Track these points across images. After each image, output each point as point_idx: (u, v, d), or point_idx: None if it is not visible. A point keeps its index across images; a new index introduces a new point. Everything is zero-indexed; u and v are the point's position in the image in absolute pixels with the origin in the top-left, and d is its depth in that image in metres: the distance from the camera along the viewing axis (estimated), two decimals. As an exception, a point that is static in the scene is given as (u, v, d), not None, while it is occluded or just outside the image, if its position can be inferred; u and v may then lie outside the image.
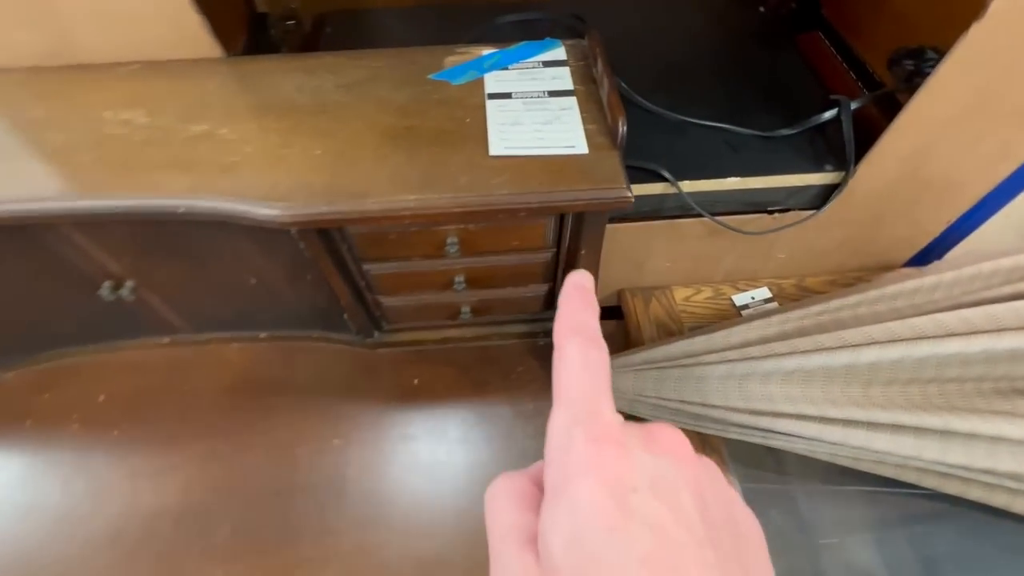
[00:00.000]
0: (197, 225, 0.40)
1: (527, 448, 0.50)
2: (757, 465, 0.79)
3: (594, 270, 0.45)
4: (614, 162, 0.37)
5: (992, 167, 0.72)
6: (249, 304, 0.50)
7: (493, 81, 0.43)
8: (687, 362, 0.74)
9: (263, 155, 0.38)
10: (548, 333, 0.56)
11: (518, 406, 0.51)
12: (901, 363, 0.71)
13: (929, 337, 0.70)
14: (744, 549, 0.17)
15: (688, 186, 0.67)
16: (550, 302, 0.51)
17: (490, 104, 0.41)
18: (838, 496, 0.76)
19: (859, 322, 0.75)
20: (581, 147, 0.38)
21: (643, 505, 0.15)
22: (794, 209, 0.75)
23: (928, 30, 0.75)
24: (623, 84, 0.58)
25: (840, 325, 0.76)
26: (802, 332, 0.76)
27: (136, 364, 0.55)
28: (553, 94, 0.42)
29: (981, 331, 0.69)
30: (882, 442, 0.70)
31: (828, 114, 0.70)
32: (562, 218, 0.41)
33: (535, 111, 0.40)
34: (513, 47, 0.46)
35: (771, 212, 0.75)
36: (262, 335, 0.56)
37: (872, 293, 0.79)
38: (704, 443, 0.79)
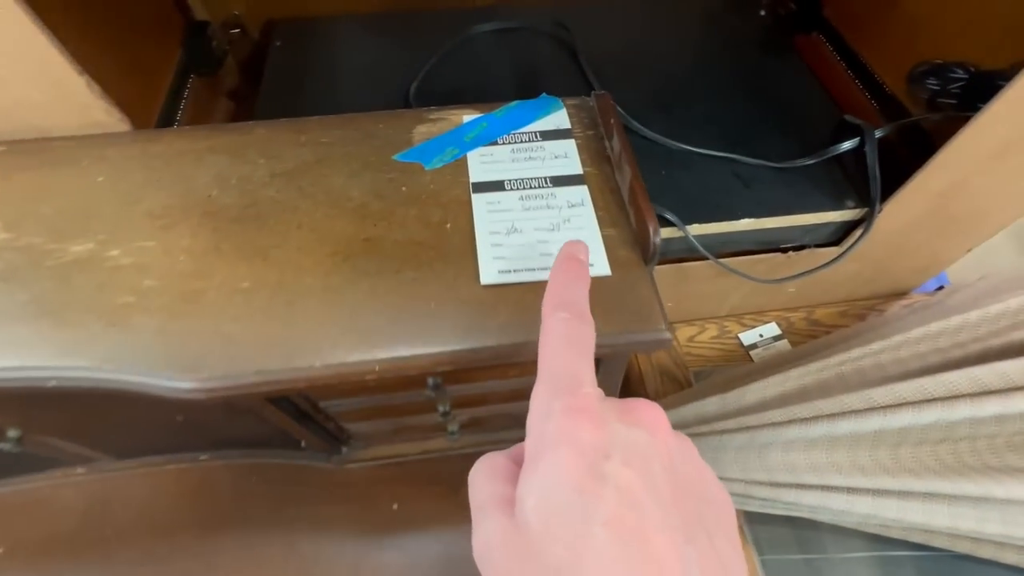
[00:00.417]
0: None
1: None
2: (776, 534, 0.72)
3: (613, 394, 0.36)
4: (646, 287, 0.28)
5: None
6: (179, 435, 0.40)
7: (479, 163, 0.33)
8: (702, 429, 0.67)
9: (169, 292, 0.28)
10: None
11: (520, 533, 0.43)
12: (935, 425, 0.64)
13: (965, 395, 0.63)
14: (713, 521, 0.17)
15: (697, 229, 0.59)
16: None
17: (477, 200, 0.31)
18: (867, 563, 0.71)
19: (883, 372, 0.69)
20: (601, 266, 0.29)
21: (613, 471, 0.16)
22: (810, 246, 0.67)
23: (947, 36, 0.67)
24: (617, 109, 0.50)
25: (863, 377, 0.69)
26: (823, 388, 0.69)
27: (44, 502, 0.44)
28: (558, 182, 0.32)
29: (1019, 387, 0.63)
30: (916, 514, 0.64)
31: (848, 144, 0.61)
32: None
33: (537, 211, 0.31)
34: (502, 110, 0.36)
35: (785, 251, 0.67)
36: (203, 457, 0.45)
37: (896, 338, 0.72)
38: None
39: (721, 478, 0.70)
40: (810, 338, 0.85)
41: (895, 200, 0.59)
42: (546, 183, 0.32)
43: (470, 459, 0.47)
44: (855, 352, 0.70)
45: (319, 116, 0.36)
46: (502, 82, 0.63)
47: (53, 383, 0.25)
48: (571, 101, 0.37)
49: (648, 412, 0.19)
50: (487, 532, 0.17)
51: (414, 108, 0.35)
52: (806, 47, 0.74)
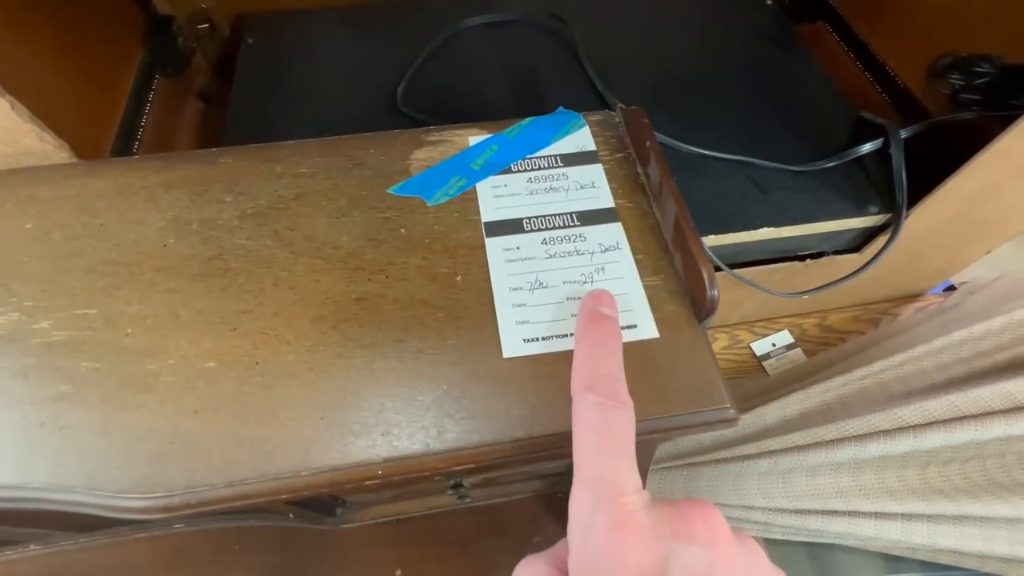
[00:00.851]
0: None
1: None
2: (789, 554, 0.69)
3: (644, 470, 0.31)
4: (703, 352, 0.23)
5: (1052, 202, 0.62)
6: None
7: (491, 196, 0.28)
8: (723, 455, 0.63)
9: (112, 376, 0.22)
10: (569, 486, 0.43)
11: (539, 599, 0.38)
12: (967, 445, 0.61)
13: (998, 412, 0.60)
14: None
15: (713, 240, 0.54)
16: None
17: (491, 246, 0.26)
18: (890, 584, 0.68)
19: (906, 385, 0.65)
20: (647, 327, 0.24)
21: None
22: (829, 254, 0.63)
23: (968, 26, 0.62)
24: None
25: (887, 391, 0.65)
26: (846, 405, 0.66)
27: (-7, 583, 0.39)
28: (586, 219, 0.27)
29: (1055, 402, 0.59)
30: (948, 538, 0.61)
31: (870, 146, 0.57)
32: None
33: (564, 258, 0.25)
34: (514, 129, 0.30)
35: (803, 259, 0.63)
36: (177, 524, 0.40)
37: (919, 349, 0.68)
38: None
39: (744, 507, 0.66)
40: (824, 345, 0.81)
41: (923, 205, 0.55)
42: (572, 221, 0.27)
43: (479, 513, 0.42)
44: (877, 365, 0.66)
45: (296, 140, 0.30)
46: (496, 81, 0.57)
47: (-36, 506, 0.20)
48: (593, 117, 0.31)
49: (704, 520, 0.17)
50: None
51: (411, 128, 0.30)
52: (811, 38, 0.69)
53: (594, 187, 0.28)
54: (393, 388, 0.22)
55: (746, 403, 0.67)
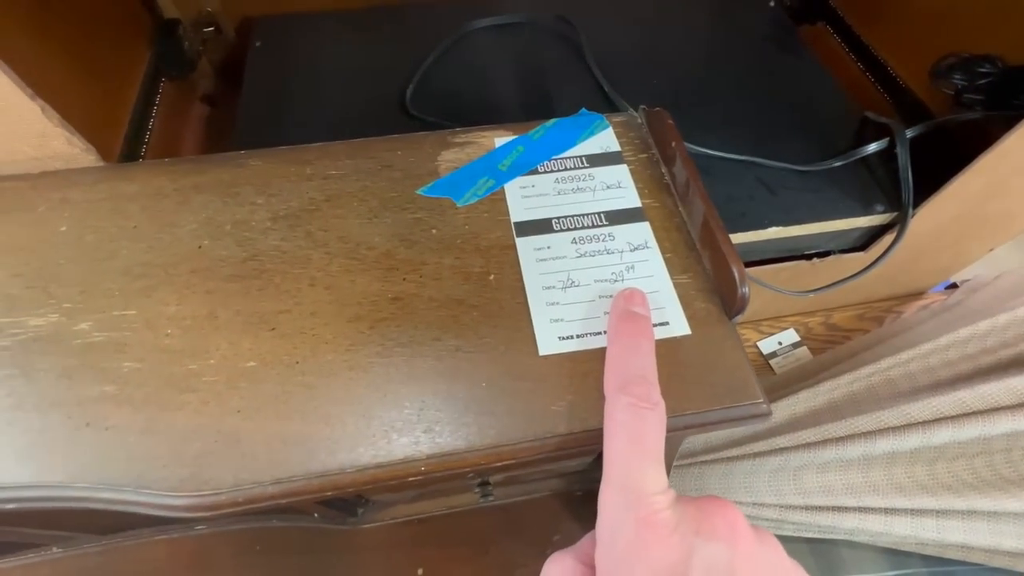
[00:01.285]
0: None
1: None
2: (792, 550, 0.70)
3: (670, 463, 0.32)
4: (734, 348, 0.24)
5: (1054, 199, 0.62)
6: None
7: (519, 197, 0.28)
8: (733, 453, 0.63)
9: (154, 377, 0.22)
10: (588, 483, 0.43)
11: (561, 597, 0.38)
12: (974, 441, 0.62)
13: (1005, 407, 0.61)
14: None
15: None
16: (597, 461, 0.38)
17: (522, 246, 0.26)
18: (898, 581, 0.68)
19: (913, 382, 0.66)
20: (679, 324, 0.24)
21: None
22: (835, 252, 0.64)
23: (969, 27, 0.63)
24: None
25: (894, 388, 0.66)
26: (854, 402, 0.67)
27: (16, 586, 0.39)
28: (614, 219, 0.27)
29: (1060, 397, 0.60)
30: (955, 533, 0.61)
31: (875, 145, 0.58)
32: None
33: (594, 256, 0.26)
34: (539, 130, 0.31)
35: (810, 258, 0.64)
36: (199, 526, 0.40)
37: (925, 347, 0.69)
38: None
39: (755, 504, 0.66)
40: (829, 343, 0.82)
41: (929, 204, 0.56)
42: (601, 220, 0.27)
43: (499, 512, 0.42)
44: (884, 363, 0.67)
45: (322, 143, 0.30)
46: (504, 83, 0.58)
47: (11, 506, 0.20)
48: (616, 118, 0.32)
49: (725, 518, 0.18)
50: None
51: (436, 131, 0.30)
52: (811, 39, 0.70)
53: (620, 187, 0.28)
54: (433, 385, 0.22)
55: (755, 401, 0.68)
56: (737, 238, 0.54)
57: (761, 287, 0.62)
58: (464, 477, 0.24)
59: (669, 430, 0.21)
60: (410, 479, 0.21)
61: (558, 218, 0.27)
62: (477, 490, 0.31)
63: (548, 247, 0.26)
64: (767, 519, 0.62)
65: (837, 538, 0.63)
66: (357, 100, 0.56)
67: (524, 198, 0.28)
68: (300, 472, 0.20)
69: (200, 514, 0.20)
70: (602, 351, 0.23)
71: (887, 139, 0.57)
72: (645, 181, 0.29)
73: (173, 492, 0.20)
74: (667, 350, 0.23)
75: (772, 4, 0.72)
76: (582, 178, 0.29)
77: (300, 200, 0.28)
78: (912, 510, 0.61)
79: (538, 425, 0.22)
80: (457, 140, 0.30)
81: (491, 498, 0.36)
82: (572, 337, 0.23)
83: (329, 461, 0.21)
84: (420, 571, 0.40)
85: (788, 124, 0.60)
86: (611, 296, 0.24)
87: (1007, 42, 0.60)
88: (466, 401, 0.22)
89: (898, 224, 0.57)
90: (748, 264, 0.60)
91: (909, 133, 0.57)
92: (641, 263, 0.26)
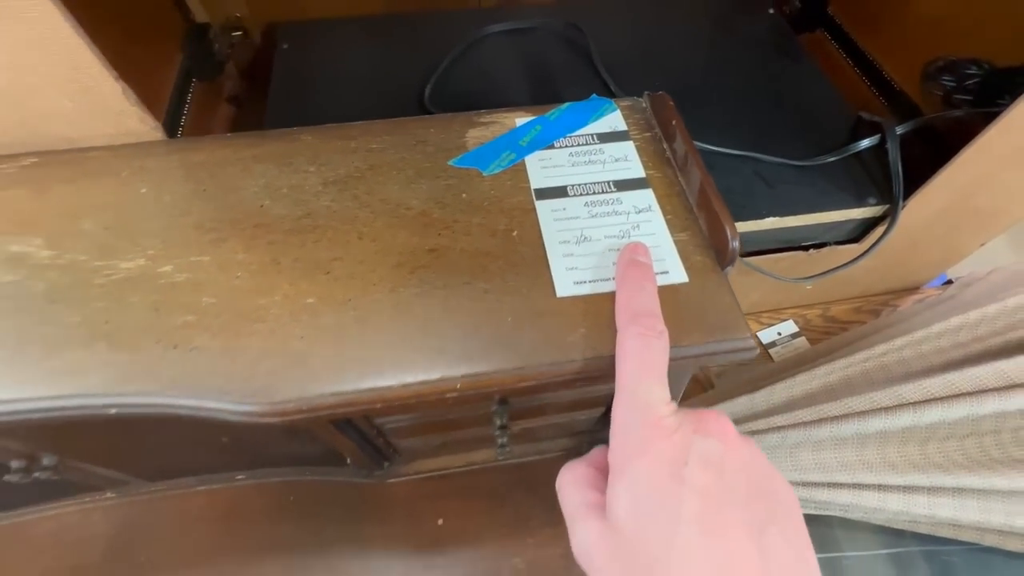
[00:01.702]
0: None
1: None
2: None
3: (678, 393, 0.35)
4: (725, 294, 0.27)
5: (1043, 192, 0.66)
6: (219, 456, 0.38)
7: (538, 167, 0.32)
8: (732, 431, 0.67)
9: (228, 310, 0.26)
10: (595, 443, 0.46)
11: (570, 547, 0.42)
12: (963, 421, 0.65)
13: (992, 389, 0.63)
14: (783, 516, 0.20)
15: None
16: (604, 419, 0.41)
17: (541, 208, 0.30)
18: (891, 560, 0.71)
19: (906, 367, 0.69)
20: (677, 273, 0.28)
21: (692, 476, 0.19)
22: (830, 244, 0.67)
23: (958, 34, 0.67)
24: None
25: (887, 373, 0.69)
26: (849, 385, 0.70)
27: (71, 529, 0.42)
28: (622, 186, 0.31)
29: (1045, 380, 0.63)
30: (946, 509, 0.64)
31: (868, 141, 0.62)
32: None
33: (604, 217, 0.30)
34: (554, 112, 0.35)
35: (806, 248, 0.67)
36: (239, 476, 0.44)
37: (918, 334, 0.72)
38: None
39: None
40: (827, 335, 0.85)
41: (918, 196, 0.59)
42: (610, 187, 0.31)
43: (515, 470, 0.46)
44: (879, 348, 0.70)
45: (364, 121, 0.35)
46: (516, 83, 0.62)
47: (114, 411, 0.24)
48: (623, 102, 0.36)
49: (717, 422, 0.21)
50: (584, 535, 0.21)
51: (464, 112, 0.34)
52: (811, 47, 0.74)
53: (627, 160, 0.32)
54: (466, 320, 0.26)
55: (754, 385, 0.71)
56: (737, 227, 0.58)
57: (761, 276, 0.66)
58: (491, 398, 0.28)
59: (671, 359, 0.25)
60: (447, 395, 0.24)
61: (572, 185, 0.31)
62: (497, 432, 0.34)
63: (564, 209, 0.30)
64: (765, 495, 0.65)
65: (832, 514, 0.66)
66: (378, 99, 0.60)
67: (542, 169, 0.32)
68: (355, 388, 0.24)
69: (270, 419, 0.24)
70: (611, 294, 0.27)
71: (879, 135, 0.60)
72: (649, 155, 0.33)
73: (248, 400, 0.24)
74: (667, 295, 0.27)
75: (771, 12, 0.76)
76: (593, 152, 0.33)
77: (347, 168, 0.32)
78: (904, 487, 0.64)
79: (556, 352, 0.25)
80: (482, 120, 0.34)
81: (507, 449, 0.39)
82: (585, 282, 0.27)
83: (378, 379, 0.24)
84: (440, 521, 0.43)
85: (785, 123, 0.64)
86: (619, 249, 0.28)
87: (993, 46, 0.64)
88: (494, 333, 0.26)
89: (889, 216, 0.60)
90: (748, 254, 0.63)
91: (899, 130, 0.61)
92: (645, 223, 0.29)
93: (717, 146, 0.59)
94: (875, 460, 0.64)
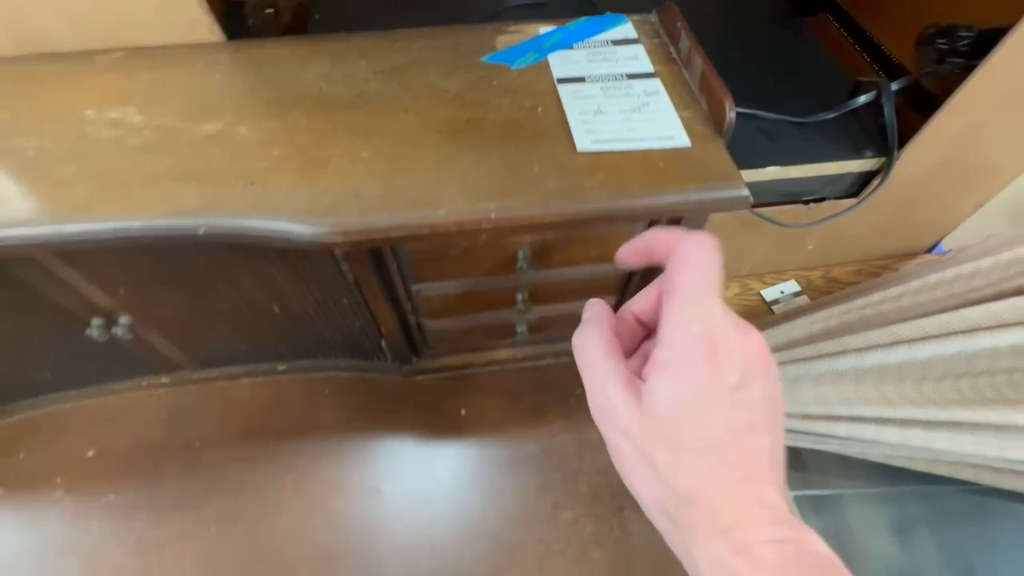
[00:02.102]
0: (211, 249, 0.32)
1: (597, 484, 0.44)
2: (801, 468, 0.75)
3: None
4: (723, 156, 0.31)
5: (1033, 151, 0.69)
6: (268, 333, 0.43)
7: (559, 63, 0.36)
8: (735, 367, 0.70)
9: (296, 159, 0.31)
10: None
11: (581, 435, 0.45)
12: (956, 358, 0.67)
13: (984, 328, 0.66)
14: (778, 421, 0.22)
15: None
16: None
17: (563, 90, 0.35)
18: (887, 499, 0.73)
19: (903, 314, 0.72)
20: (681, 139, 0.32)
21: (729, 393, 0.20)
22: (830, 198, 0.71)
23: (951, 6, 0.71)
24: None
25: (884, 319, 0.72)
26: (847, 328, 0.73)
27: (129, 411, 0.47)
28: (633, 77, 0.35)
29: (1035, 320, 0.66)
30: (941, 441, 0.67)
31: (865, 97, 0.65)
32: (651, 222, 0.35)
33: (617, 98, 0.34)
34: (573, 23, 0.39)
35: (806, 202, 0.71)
36: (280, 367, 0.48)
37: (914, 283, 0.75)
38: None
39: None
40: (828, 295, 0.88)
41: (912, 146, 0.63)
42: (623, 78, 0.35)
43: (531, 372, 0.50)
44: (876, 296, 0.73)
45: (403, 29, 0.39)
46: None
47: (202, 231, 0.28)
48: (635, 18, 0.40)
49: (756, 335, 0.22)
50: (615, 404, 0.22)
51: (492, 23, 0.39)
52: (815, 27, 0.78)
53: (637, 59, 0.37)
54: (499, 170, 0.30)
55: (756, 329, 0.74)
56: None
57: (763, 234, 0.69)
58: (520, 241, 0.32)
59: (676, 204, 0.29)
60: (483, 225, 0.29)
61: (590, 76, 0.35)
62: (519, 310, 0.38)
63: (583, 91, 0.34)
64: (767, 426, 0.68)
65: (830, 449, 0.69)
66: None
67: (563, 64, 0.36)
68: (407, 218, 0.28)
69: (337, 239, 0.28)
70: (625, 152, 0.31)
71: (875, 92, 0.64)
72: (657, 55, 0.37)
73: (316, 223, 0.28)
74: (675, 156, 0.31)
75: (779, -6, 0.80)
76: (607, 54, 0.37)
77: (392, 62, 0.36)
78: (901, 420, 0.66)
79: (576, 194, 0.29)
80: (510, 29, 0.39)
81: (525, 337, 0.43)
82: (602, 141, 0.31)
83: (428, 213, 0.29)
84: (463, 411, 0.47)
85: (787, 86, 0.67)
86: (631, 120, 0.32)
87: (980, 13, 0.68)
88: (523, 178, 0.30)
89: (884, 168, 0.63)
90: (752, 206, 0.66)
91: (894, 86, 0.65)
92: (653, 102, 0.34)
93: None
94: (872, 396, 0.67)
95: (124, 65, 0.36)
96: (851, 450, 0.69)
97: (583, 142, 0.31)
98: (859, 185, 0.68)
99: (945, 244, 0.94)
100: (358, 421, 0.46)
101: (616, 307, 0.26)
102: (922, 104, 0.66)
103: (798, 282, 0.88)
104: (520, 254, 0.34)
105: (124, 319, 0.37)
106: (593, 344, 0.23)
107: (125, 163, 0.30)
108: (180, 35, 0.38)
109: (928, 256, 0.91)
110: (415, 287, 0.37)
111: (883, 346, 0.66)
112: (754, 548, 0.18)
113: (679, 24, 0.36)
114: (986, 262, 0.73)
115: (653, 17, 0.40)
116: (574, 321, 0.25)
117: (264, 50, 0.37)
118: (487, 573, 0.39)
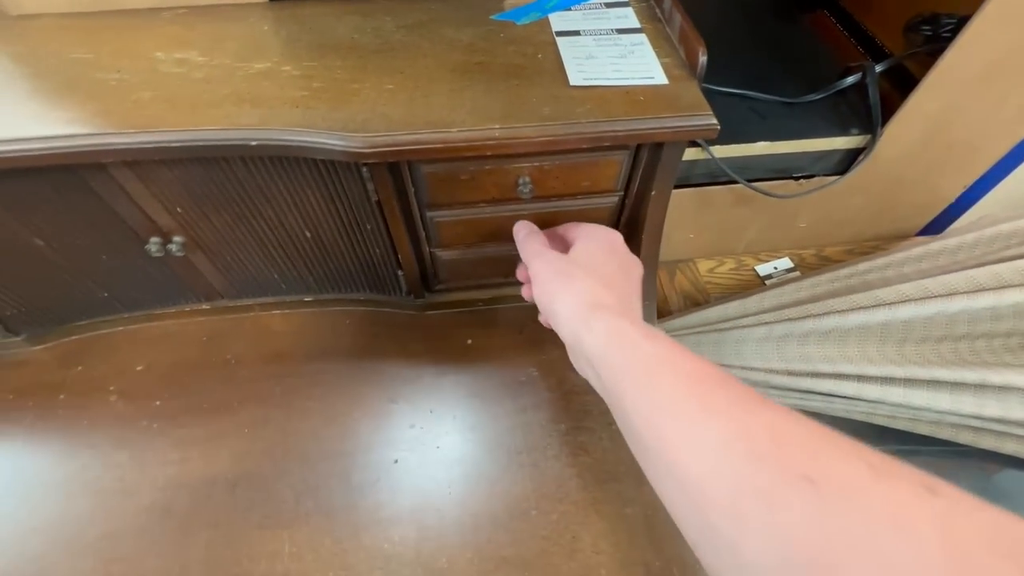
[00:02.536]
0: (258, 168, 0.38)
1: (587, 403, 0.49)
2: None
3: (661, 216, 0.44)
4: (695, 92, 0.37)
5: (1012, 129, 0.73)
6: (299, 262, 0.48)
7: (558, 20, 0.42)
8: (724, 326, 0.74)
9: (333, 90, 0.36)
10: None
11: (576, 363, 0.50)
12: (935, 319, 0.71)
13: (962, 292, 0.70)
14: (632, 280, 0.37)
15: (718, 151, 0.67)
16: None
17: (560, 40, 0.40)
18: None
19: (887, 283, 0.76)
20: (660, 78, 0.37)
21: (605, 256, 0.37)
22: (819, 175, 0.75)
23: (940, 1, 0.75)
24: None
25: (869, 287, 0.76)
26: (833, 294, 0.77)
27: (173, 334, 0.52)
28: (621, 31, 0.41)
29: (1012, 285, 0.70)
30: (920, 398, 0.70)
31: (851, 79, 0.70)
32: (636, 155, 0.40)
33: (607, 47, 0.39)
34: (572, -10, 0.45)
35: (796, 179, 0.75)
36: (307, 298, 0.53)
37: (898, 255, 0.80)
38: (741, 409, 0.78)
39: (744, 368, 0.76)
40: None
41: (894, 124, 0.67)
42: (613, 32, 0.41)
43: (531, 309, 0.55)
44: (862, 266, 0.77)
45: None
46: None
47: (255, 142, 0.34)
48: (626, -15, 0.46)
49: (620, 242, 0.39)
50: (543, 261, 0.37)
51: (502, -11, 0.45)
52: (813, 23, 0.83)
53: (626, 18, 0.42)
54: (504, 101, 0.36)
55: (745, 295, 0.78)
56: (730, 150, 0.66)
57: (756, 211, 0.74)
58: (520, 158, 0.38)
59: (653, 128, 0.34)
60: (488, 142, 0.34)
61: (584, 30, 0.41)
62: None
63: (577, 42, 0.40)
64: (752, 382, 0.72)
65: (815, 405, 0.73)
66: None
67: (562, 21, 0.42)
68: (425, 135, 0.34)
69: (365, 151, 0.34)
70: (612, 87, 0.36)
71: (860, 74, 0.69)
72: (643, 15, 0.43)
73: (351, 137, 0.34)
74: (654, 91, 0.37)
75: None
76: (600, 14, 0.43)
77: (413, 18, 0.42)
78: (882, 378, 0.70)
79: (568, 118, 0.35)
80: (516, -6, 0.45)
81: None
82: (591, 78, 0.37)
83: (445, 133, 0.34)
84: (469, 341, 0.52)
85: (778, 69, 0.72)
86: (618, 64, 0.38)
87: (962, 3, 0.72)
88: (523, 106, 0.35)
89: (869, 145, 0.67)
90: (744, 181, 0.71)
91: (878, 68, 0.70)
92: (638, 50, 0.39)
93: (716, 85, 0.67)
94: (855, 355, 0.70)
95: (185, 19, 0.42)
96: (835, 407, 0.72)
97: (575, 78, 0.37)
98: (847, 163, 0.73)
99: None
100: (375, 347, 0.52)
101: None
102: (905, 85, 0.70)
103: (791, 260, 0.92)
104: (521, 181, 0.39)
105: (178, 238, 0.43)
106: (530, 237, 0.39)
107: (191, 90, 0.36)
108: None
109: (918, 238, 0.95)
110: (429, 214, 0.43)
111: (865, 308, 0.70)
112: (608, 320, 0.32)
113: (663, -13, 0.42)
114: (970, 237, 0.77)
115: (642, -15, 0.46)
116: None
117: (304, 8, 0.44)
118: (490, 472, 0.44)
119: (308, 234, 0.45)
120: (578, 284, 0.34)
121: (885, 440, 0.75)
